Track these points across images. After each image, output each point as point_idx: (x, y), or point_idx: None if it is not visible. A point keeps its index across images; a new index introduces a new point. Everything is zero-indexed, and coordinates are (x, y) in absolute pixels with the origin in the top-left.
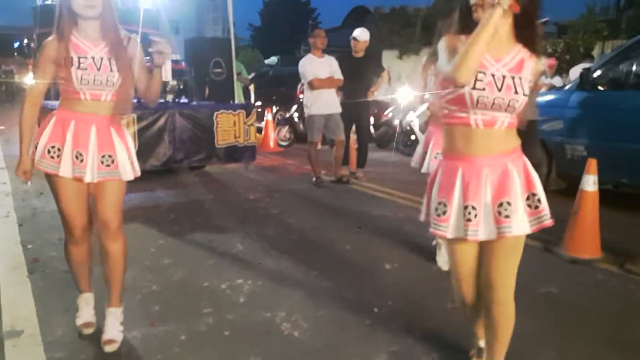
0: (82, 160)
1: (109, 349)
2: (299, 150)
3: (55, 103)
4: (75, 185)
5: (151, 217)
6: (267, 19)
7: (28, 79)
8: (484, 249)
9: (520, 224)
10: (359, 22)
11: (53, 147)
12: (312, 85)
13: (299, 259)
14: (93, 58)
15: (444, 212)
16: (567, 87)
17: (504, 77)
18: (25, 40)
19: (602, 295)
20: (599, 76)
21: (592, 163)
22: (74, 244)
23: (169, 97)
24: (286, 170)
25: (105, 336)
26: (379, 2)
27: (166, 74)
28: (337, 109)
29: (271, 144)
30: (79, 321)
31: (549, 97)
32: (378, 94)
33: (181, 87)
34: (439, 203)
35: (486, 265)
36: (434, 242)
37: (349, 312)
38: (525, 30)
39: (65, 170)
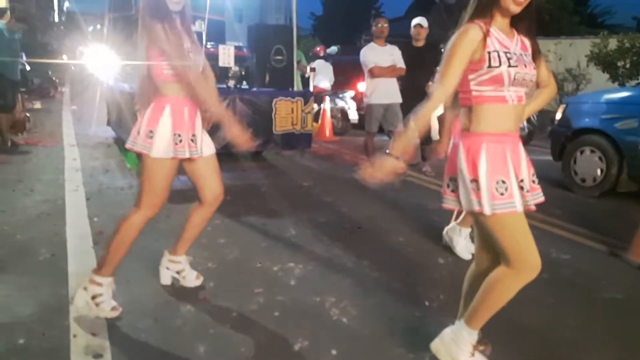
0: (180, 141)
1: (200, 281)
2: (355, 139)
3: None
4: (170, 164)
5: None
6: (330, 8)
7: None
8: None
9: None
10: (424, 13)
11: (176, 134)
12: (372, 73)
13: (350, 248)
14: (188, 45)
15: (506, 189)
16: None
17: (521, 54)
18: (99, 25)
19: None
20: None
21: None
22: (147, 219)
23: (231, 83)
24: (341, 159)
25: (193, 274)
26: None
27: (229, 59)
28: (397, 98)
29: (327, 132)
30: (108, 306)
31: (624, 94)
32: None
33: (243, 73)
34: (497, 182)
35: None
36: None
37: (399, 303)
38: (522, 18)
39: (187, 153)
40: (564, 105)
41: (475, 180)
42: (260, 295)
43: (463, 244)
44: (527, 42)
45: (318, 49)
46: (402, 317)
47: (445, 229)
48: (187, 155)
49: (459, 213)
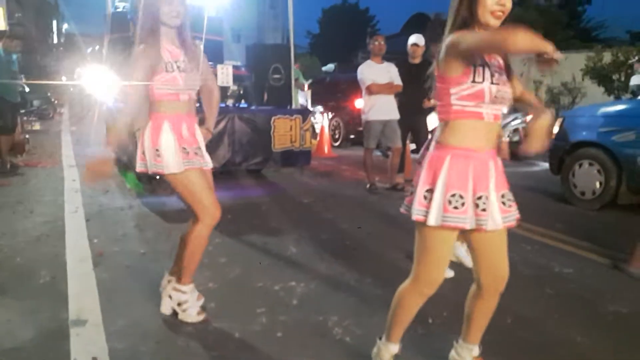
0: (201, 155)
1: (201, 301)
2: (354, 156)
3: None
4: (193, 174)
5: None
6: (326, 26)
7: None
8: (481, 239)
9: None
10: (419, 29)
11: (182, 147)
12: (370, 91)
13: (353, 265)
14: (184, 62)
15: (462, 204)
16: None
17: (500, 72)
18: (97, 47)
19: None
20: None
21: None
22: (212, 227)
23: (229, 102)
24: (340, 175)
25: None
26: (439, 8)
27: (227, 79)
28: (394, 115)
29: (326, 149)
30: (195, 310)
31: (620, 106)
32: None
33: (241, 92)
34: (453, 195)
35: (490, 253)
36: None
37: None
38: None
39: (197, 163)
40: (561, 119)
41: (430, 190)
42: (263, 316)
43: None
44: (501, 60)
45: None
46: (406, 335)
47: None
48: (198, 166)
49: None
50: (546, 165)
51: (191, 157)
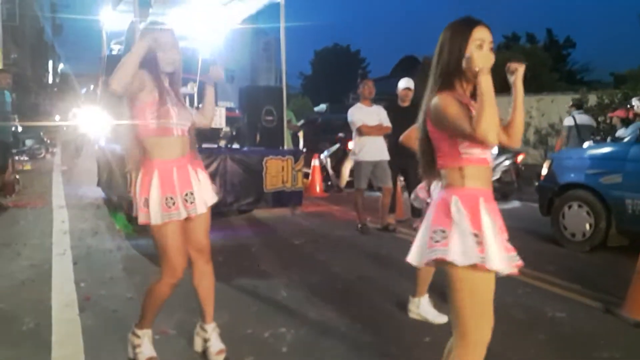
0: (192, 202)
1: (220, 358)
2: (345, 196)
3: None
4: (181, 227)
5: None
6: (318, 68)
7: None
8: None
9: None
10: (408, 72)
11: (167, 197)
12: (360, 132)
13: (344, 310)
14: (175, 99)
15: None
16: (625, 140)
17: None
18: (92, 87)
19: None
20: None
21: None
22: (173, 285)
23: (222, 143)
24: (332, 215)
25: (216, 347)
26: (428, 51)
27: (220, 120)
28: (385, 156)
29: (317, 189)
30: (144, 356)
31: (606, 149)
32: None
33: (234, 133)
34: (474, 234)
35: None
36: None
37: None
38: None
39: (183, 214)
40: (549, 160)
41: (476, 234)
42: None
43: (433, 312)
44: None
45: None
46: None
47: (409, 309)
48: (182, 217)
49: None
50: (535, 205)
51: (174, 209)
